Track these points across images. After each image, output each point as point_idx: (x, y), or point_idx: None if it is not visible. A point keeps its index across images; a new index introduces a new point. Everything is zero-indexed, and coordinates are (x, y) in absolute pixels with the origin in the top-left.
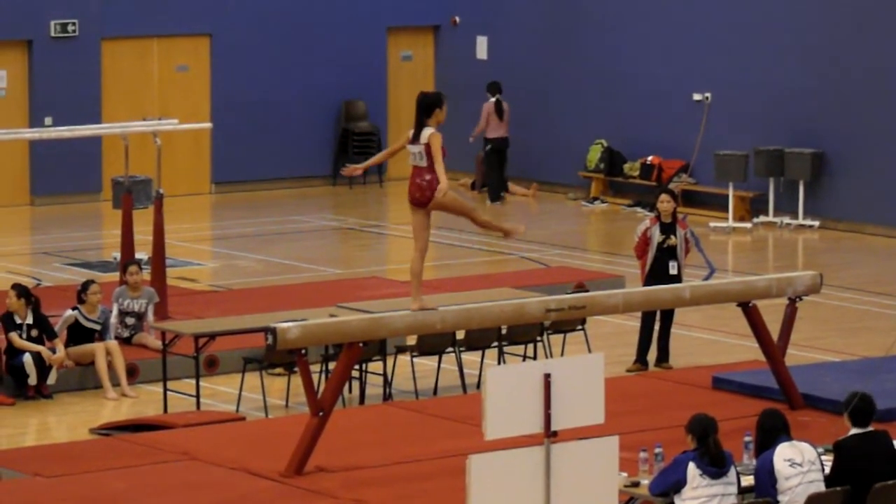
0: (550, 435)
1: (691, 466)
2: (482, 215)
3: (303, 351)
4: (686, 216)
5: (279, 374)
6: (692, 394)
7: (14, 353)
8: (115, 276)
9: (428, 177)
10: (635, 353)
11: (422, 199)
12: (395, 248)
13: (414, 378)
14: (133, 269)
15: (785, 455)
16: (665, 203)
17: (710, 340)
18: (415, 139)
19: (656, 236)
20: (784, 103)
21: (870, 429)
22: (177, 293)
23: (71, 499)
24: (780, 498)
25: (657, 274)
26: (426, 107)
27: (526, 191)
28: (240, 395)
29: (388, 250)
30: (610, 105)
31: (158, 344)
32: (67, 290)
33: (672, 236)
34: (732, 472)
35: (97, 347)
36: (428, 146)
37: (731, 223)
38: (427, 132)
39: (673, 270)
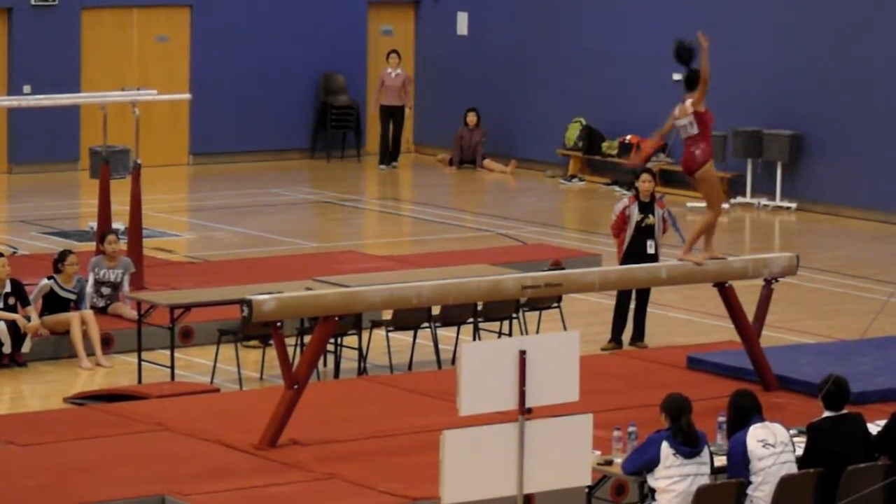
0: (525, 412)
1: (665, 446)
2: (717, 217)
3: (278, 324)
4: (664, 196)
5: (254, 347)
6: (667, 373)
7: None
8: (91, 245)
9: (703, 146)
10: (610, 331)
11: (692, 167)
12: (372, 222)
13: (389, 353)
14: (111, 238)
15: (758, 436)
16: (646, 183)
17: (685, 320)
18: (682, 111)
19: (635, 215)
20: (763, 85)
21: (843, 412)
22: (153, 264)
23: (44, 468)
24: (752, 478)
25: (634, 253)
26: (690, 83)
27: (504, 168)
28: (214, 366)
29: (364, 224)
30: (589, 83)
31: (134, 314)
32: (44, 258)
33: (650, 215)
34: (706, 452)
35: (72, 317)
36: (697, 114)
37: (705, 202)
38: (689, 102)
39: (650, 250)
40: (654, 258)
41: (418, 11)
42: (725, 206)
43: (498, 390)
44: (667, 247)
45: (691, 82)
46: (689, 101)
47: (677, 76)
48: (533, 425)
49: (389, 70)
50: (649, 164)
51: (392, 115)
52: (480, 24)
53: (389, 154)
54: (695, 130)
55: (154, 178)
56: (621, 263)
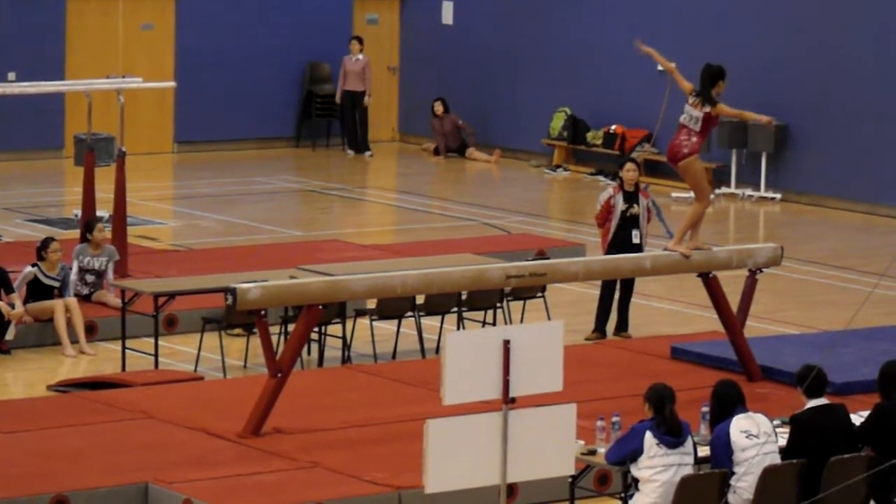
0: (508, 401)
1: (648, 436)
2: (705, 208)
3: (262, 312)
4: (648, 186)
5: (238, 335)
6: (651, 363)
7: None
8: (75, 233)
9: (694, 139)
10: (594, 321)
11: (677, 157)
12: (357, 211)
13: (373, 341)
14: (100, 226)
15: (741, 426)
16: (630, 172)
17: (669, 310)
18: (695, 103)
19: (619, 205)
20: (748, 75)
21: (826, 402)
22: (137, 252)
23: (28, 455)
24: (735, 469)
25: (620, 242)
26: (711, 77)
27: (488, 157)
28: (198, 354)
29: (349, 213)
30: (574, 73)
31: (118, 302)
32: (28, 245)
33: (635, 205)
34: (689, 442)
35: (56, 304)
36: (708, 115)
37: (693, 194)
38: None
39: (636, 239)
40: (639, 248)
41: (404, 0)
42: (710, 196)
43: (482, 380)
44: (651, 237)
45: (714, 78)
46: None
47: (662, 67)
48: (517, 415)
49: (351, 55)
50: (634, 154)
51: (353, 100)
52: (466, 13)
53: (358, 142)
54: (696, 127)
55: (139, 166)
56: (606, 253)
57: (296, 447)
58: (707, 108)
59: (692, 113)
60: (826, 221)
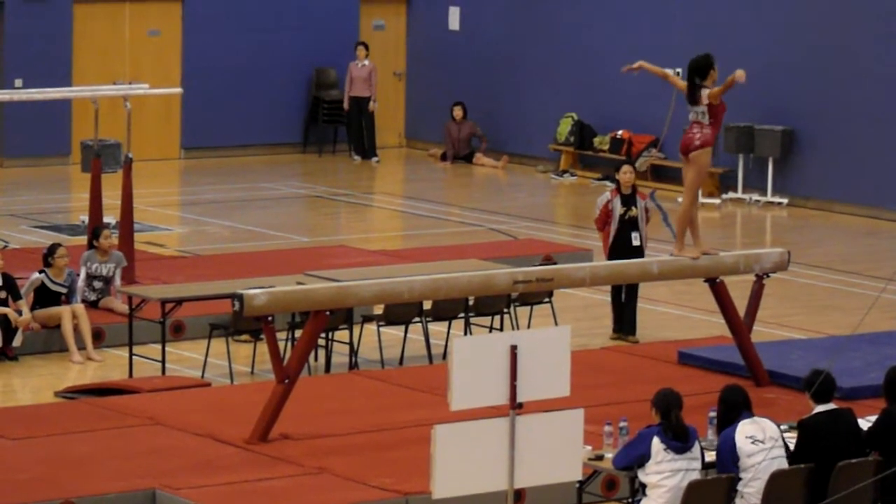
0: (516, 407)
1: (655, 441)
2: (692, 204)
3: (269, 318)
4: (655, 191)
5: (245, 341)
6: (658, 368)
7: None
8: (82, 239)
9: (707, 131)
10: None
11: (689, 147)
12: (364, 217)
13: (380, 347)
14: (107, 233)
15: (746, 432)
16: (626, 174)
17: (676, 315)
18: (692, 100)
19: (617, 208)
20: (755, 80)
21: (834, 407)
22: (144, 258)
23: (35, 461)
24: (742, 475)
25: (620, 246)
26: (699, 69)
27: (495, 162)
28: (205, 360)
29: (356, 219)
30: (581, 78)
31: (125, 308)
32: (35, 252)
33: (633, 207)
34: (696, 448)
35: (63, 310)
36: (711, 105)
37: (699, 199)
38: (705, 92)
39: (636, 241)
40: (639, 250)
41: (410, 6)
42: (717, 200)
43: (489, 385)
44: (657, 241)
45: (703, 70)
46: (705, 92)
47: (668, 72)
48: (524, 420)
49: (357, 61)
50: (641, 159)
51: (360, 106)
52: (472, 18)
53: (365, 148)
54: (706, 121)
55: (145, 173)
56: (608, 257)
57: (303, 453)
58: (705, 99)
59: (696, 108)
60: (832, 226)
